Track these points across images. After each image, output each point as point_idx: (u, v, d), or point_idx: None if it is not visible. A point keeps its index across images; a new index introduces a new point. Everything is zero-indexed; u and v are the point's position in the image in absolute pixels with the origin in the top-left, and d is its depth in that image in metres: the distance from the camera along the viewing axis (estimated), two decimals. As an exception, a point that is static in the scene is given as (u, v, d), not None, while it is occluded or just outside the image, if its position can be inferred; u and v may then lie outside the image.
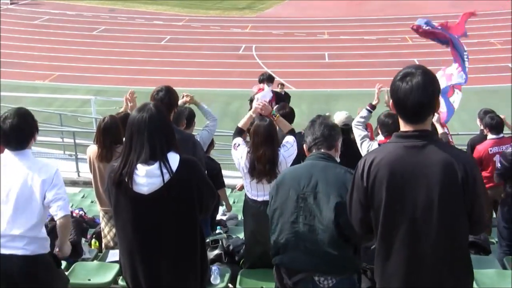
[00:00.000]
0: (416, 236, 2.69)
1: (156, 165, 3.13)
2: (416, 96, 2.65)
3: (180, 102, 5.45)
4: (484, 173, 6.96)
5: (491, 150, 6.80)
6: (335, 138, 3.73)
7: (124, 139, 3.28)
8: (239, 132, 5.13)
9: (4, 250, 3.60)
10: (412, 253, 2.71)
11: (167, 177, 3.13)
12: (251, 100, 8.81)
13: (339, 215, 3.35)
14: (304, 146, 3.79)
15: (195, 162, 3.37)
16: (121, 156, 3.22)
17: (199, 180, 3.28)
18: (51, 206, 3.65)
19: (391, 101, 2.81)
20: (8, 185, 3.63)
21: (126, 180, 3.15)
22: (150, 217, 3.23)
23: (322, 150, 3.66)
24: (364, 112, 5.98)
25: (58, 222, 3.72)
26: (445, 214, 2.65)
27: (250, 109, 5.35)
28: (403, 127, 2.77)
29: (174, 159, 3.18)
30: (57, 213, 3.66)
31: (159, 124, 3.19)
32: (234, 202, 8.22)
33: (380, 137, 5.59)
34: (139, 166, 3.14)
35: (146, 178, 3.13)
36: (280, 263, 3.66)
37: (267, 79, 9.36)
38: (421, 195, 2.66)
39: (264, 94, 5.62)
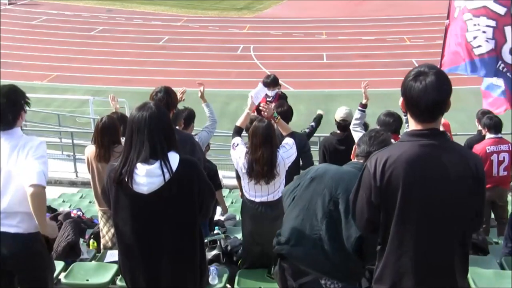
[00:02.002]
0: (431, 233, 2.73)
1: (157, 164, 3.12)
2: (431, 95, 2.66)
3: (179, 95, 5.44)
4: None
5: (488, 149, 6.83)
6: None
7: (124, 138, 3.27)
8: (238, 132, 5.13)
9: None
10: (426, 249, 2.75)
11: (167, 176, 3.12)
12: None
13: (364, 236, 3.31)
14: (355, 147, 3.69)
15: (195, 162, 3.36)
16: (121, 155, 3.21)
17: (199, 180, 3.27)
18: (22, 176, 3.48)
19: (401, 100, 2.81)
20: None
21: (126, 179, 3.14)
22: (149, 217, 3.22)
23: None
24: (357, 114, 5.98)
25: (28, 195, 3.42)
26: (460, 211, 2.71)
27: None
28: (415, 126, 2.78)
29: (174, 158, 3.17)
30: (26, 183, 3.41)
31: (159, 123, 3.18)
32: (232, 202, 8.23)
33: None
34: (139, 165, 3.13)
35: (146, 177, 3.12)
36: (289, 254, 3.55)
37: (272, 82, 8.01)
38: (438, 192, 2.70)
39: (258, 91, 5.48)
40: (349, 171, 3.54)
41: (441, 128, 2.86)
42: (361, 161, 3.56)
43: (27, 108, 3.81)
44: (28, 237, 3.64)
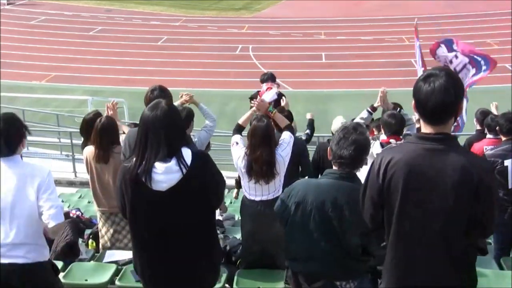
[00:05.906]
0: (428, 238, 2.72)
1: (174, 161, 3.15)
2: (438, 98, 2.65)
3: (178, 102, 5.45)
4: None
5: (486, 149, 6.82)
6: (362, 159, 3.54)
7: (136, 137, 3.25)
8: (238, 130, 5.11)
9: (4, 259, 3.51)
10: (423, 253, 2.74)
11: (184, 171, 3.16)
12: (252, 98, 8.43)
13: (365, 241, 3.40)
14: (329, 150, 3.61)
15: (207, 155, 3.44)
16: (136, 155, 3.21)
17: (212, 171, 3.32)
18: (43, 214, 3.50)
19: (413, 101, 2.79)
20: (2, 193, 3.51)
21: (144, 179, 3.14)
22: (168, 214, 3.23)
23: (347, 169, 3.48)
24: (364, 113, 5.94)
25: (49, 229, 3.57)
26: (456, 218, 2.68)
27: (251, 108, 5.34)
28: (424, 128, 2.77)
29: (187, 154, 3.20)
30: (49, 221, 3.50)
31: (173, 121, 3.22)
32: (231, 202, 8.23)
33: (383, 137, 5.58)
34: (157, 164, 3.15)
35: (165, 175, 3.14)
36: (299, 271, 3.64)
37: (270, 78, 8.31)
38: (436, 198, 2.67)
39: (269, 95, 5.52)
40: (328, 184, 3.52)
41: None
42: (336, 167, 3.53)
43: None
44: (36, 266, 3.60)
